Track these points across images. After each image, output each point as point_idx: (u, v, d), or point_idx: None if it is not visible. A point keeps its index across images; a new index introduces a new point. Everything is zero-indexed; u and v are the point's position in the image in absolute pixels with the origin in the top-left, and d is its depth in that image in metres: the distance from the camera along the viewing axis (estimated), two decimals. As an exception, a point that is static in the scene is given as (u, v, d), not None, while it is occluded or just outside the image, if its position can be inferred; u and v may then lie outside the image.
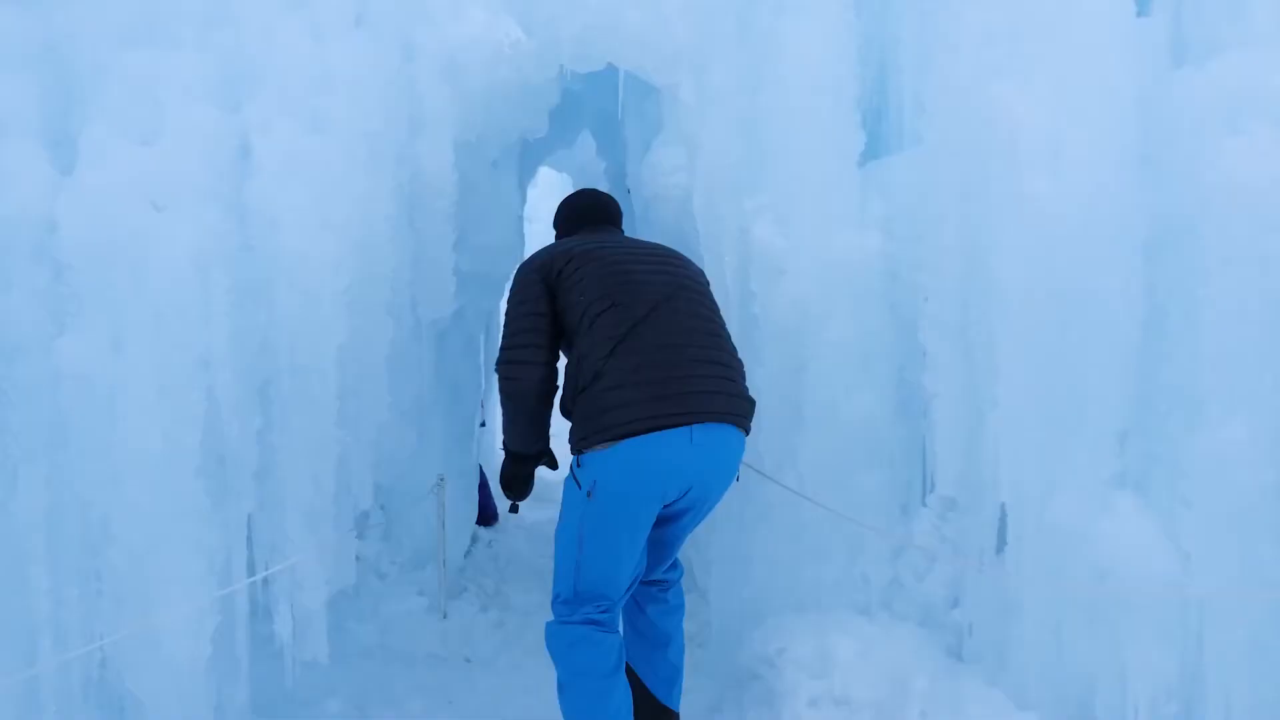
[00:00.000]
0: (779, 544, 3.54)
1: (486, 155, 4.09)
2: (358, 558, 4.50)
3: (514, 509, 4.72)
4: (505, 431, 2.88)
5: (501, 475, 2.91)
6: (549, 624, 2.63)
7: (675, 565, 2.94)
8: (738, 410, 2.68)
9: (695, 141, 3.65)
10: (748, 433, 2.75)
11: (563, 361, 2.76)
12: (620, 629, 2.71)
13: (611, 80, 4.46)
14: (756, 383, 3.39)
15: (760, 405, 2.90)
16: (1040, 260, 2.91)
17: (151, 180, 2.70)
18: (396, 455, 3.54)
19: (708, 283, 2.95)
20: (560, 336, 2.75)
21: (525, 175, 5.59)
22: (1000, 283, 2.98)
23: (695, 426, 2.52)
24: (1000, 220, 2.97)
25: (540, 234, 4.06)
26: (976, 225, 3.05)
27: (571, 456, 2.62)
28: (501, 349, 2.76)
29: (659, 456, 2.50)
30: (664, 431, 2.48)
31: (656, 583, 2.88)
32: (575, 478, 2.59)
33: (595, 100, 5.14)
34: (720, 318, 2.85)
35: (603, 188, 6.68)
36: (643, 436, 2.47)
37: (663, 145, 4.00)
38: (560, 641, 2.59)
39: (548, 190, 15.33)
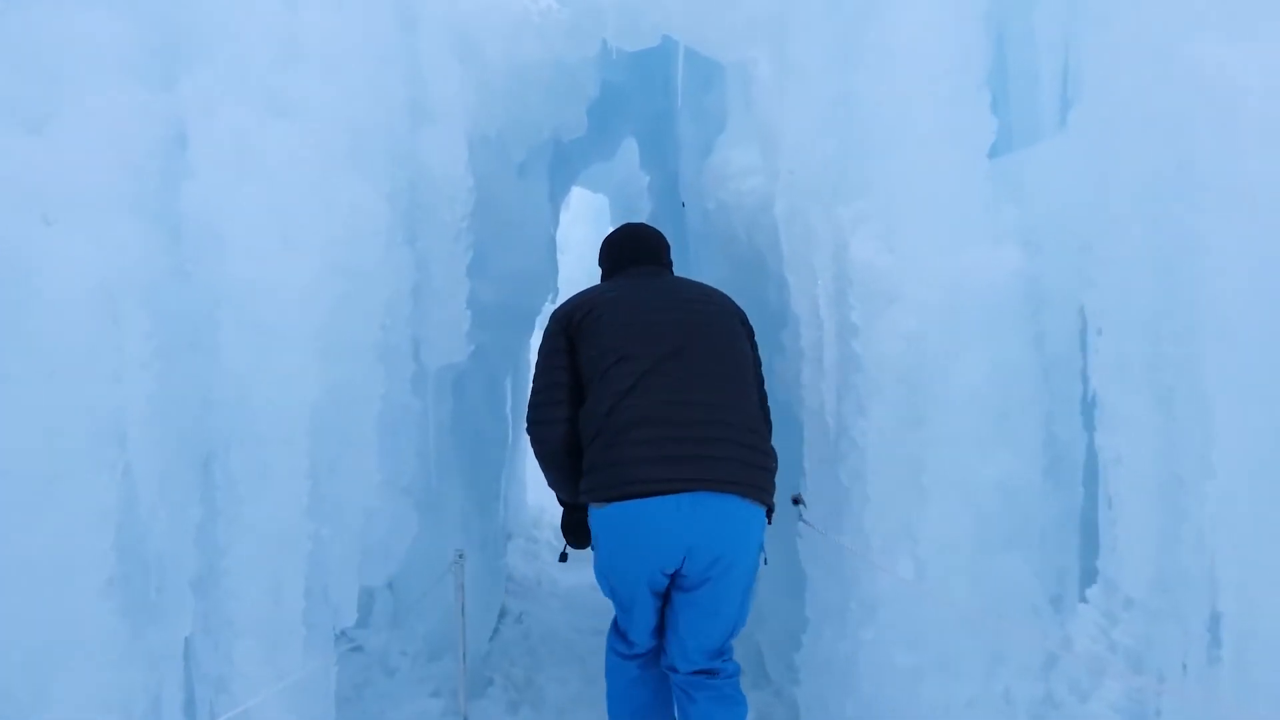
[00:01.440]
0: (892, 648, 2.73)
1: (510, 157, 3.33)
2: (361, 650, 3.75)
3: (563, 558, 3.93)
4: (556, 489, 2.79)
5: (562, 524, 2.85)
6: (608, 636, 2.75)
7: (728, 658, 2.65)
8: (745, 479, 2.48)
9: (774, 134, 2.89)
10: (765, 503, 2.55)
11: None
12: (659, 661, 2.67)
13: (664, 65, 3.69)
14: (858, 439, 2.63)
15: (865, 469, 2.48)
16: (1270, 275, 2.09)
17: (41, 182, 1.97)
18: (392, 546, 2.72)
19: (742, 328, 2.72)
20: (583, 388, 2.65)
21: (558, 189, 4.78)
22: (1211, 307, 2.16)
23: (684, 495, 2.38)
24: (1210, 222, 2.16)
25: (570, 266, 3.51)
26: (1174, 231, 2.24)
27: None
28: (529, 407, 2.71)
29: (642, 525, 2.42)
30: (647, 499, 2.39)
31: (704, 671, 2.61)
32: (592, 524, 2.61)
33: (642, 96, 4.34)
34: (746, 370, 2.65)
35: (647, 206, 6.05)
36: (625, 503, 2.41)
37: (730, 143, 3.23)
38: (610, 672, 2.74)
39: (581, 215, 14.64)
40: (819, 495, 2.87)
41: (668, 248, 2.96)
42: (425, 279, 2.81)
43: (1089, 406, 2.66)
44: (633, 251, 2.89)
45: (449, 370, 3.33)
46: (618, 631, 2.71)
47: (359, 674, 3.73)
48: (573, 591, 5.63)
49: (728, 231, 3.33)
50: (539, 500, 7.06)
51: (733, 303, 2.76)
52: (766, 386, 2.79)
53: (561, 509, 2.82)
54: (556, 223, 4.92)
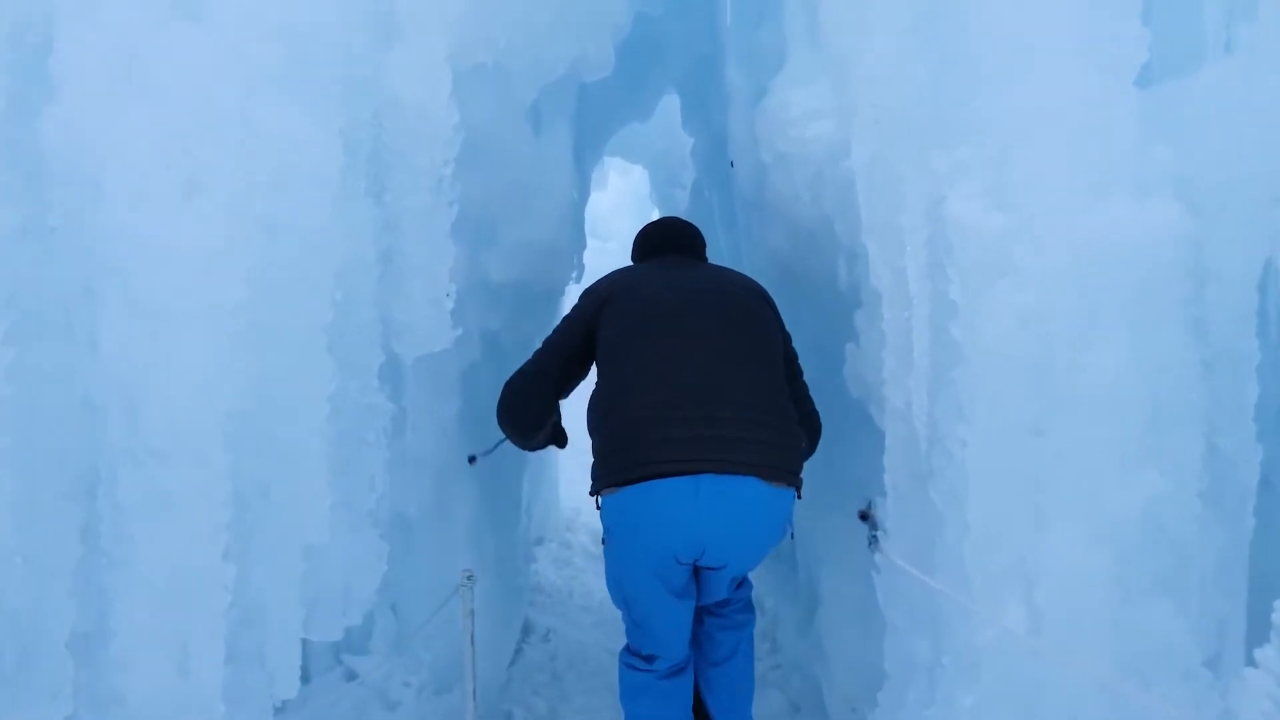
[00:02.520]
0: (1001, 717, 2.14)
1: (516, 96, 2.74)
2: (357, 680, 3.24)
3: (472, 460, 3.41)
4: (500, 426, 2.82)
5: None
6: (620, 657, 2.67)
7: (743, 582, 2.71)
8: (768, 460, 2.40)
9: (849, 64, 2.30)
10: (792, 485, 2.48)
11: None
12: (691, 674, 2.62)
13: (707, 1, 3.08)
14: (957, 451, 2.05)
15: (966, 490, 2.00)
16: None
17: None
18: (353, 590, 2.13)
19: (770, 310, 2.70)
20: (579, 376, 2.71)
21: (585, 151, 4.13)
22: None
23: (703, 477, 2.30)
24: None
25: (614, 256, 3.20)
26: None
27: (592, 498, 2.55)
28: (526, 364, 2.73)
29: (661, 507, 2.34)
30: (666, 480, 2.30)
31: (719, 602, 2.68)
32: (602, 524, 2.54)
33: (682, 39, 3.71)
34: (774, 351, 2.59)
35: (690, 176, 5.46)
36: (644, 484, 2.32)
37: (791, 83, 2.63)
38: (627, 687, 2.63)
39: (623, 205, 14.05)
40: (904, 521, 2.28)
41: (703, 243, 2.95)
42: (396, 243, 2.23)
43: (1265, 413, 2.06)
44: (665, 241, 2.89)
45: (439, 362, 2.78)
46: (651, 644, 2.60)
47: (354, 710, 3.21)
48: (608, 604, 5.09)
49: (787, 192, 2.73)
50: (573, 502, 6.54)
51: (759, 285, 2.75)
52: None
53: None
54: (586, 192, 4.31)
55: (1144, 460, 2.04)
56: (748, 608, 2.78)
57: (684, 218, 3.19)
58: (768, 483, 2.39)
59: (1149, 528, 2.05)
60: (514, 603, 3.96)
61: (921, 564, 2.19)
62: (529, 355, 3.68)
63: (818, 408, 2.84)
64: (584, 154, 4.02)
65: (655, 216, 6.86)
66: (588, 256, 4.47)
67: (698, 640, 2.72)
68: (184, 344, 1.66)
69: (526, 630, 4.51)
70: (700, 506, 2.30)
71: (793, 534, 2.56)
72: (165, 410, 1.64)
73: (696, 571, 2.56)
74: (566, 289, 3.67)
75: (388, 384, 2.24)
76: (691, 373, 2.38)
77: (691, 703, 2.71)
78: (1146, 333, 2.02)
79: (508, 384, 2.72)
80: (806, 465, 2.66)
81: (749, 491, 2.35)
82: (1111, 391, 2.01)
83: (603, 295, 2.62)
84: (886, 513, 2.33)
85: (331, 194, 1.88)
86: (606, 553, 2.57)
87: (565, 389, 2.72)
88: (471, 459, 3.14)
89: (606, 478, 2.42)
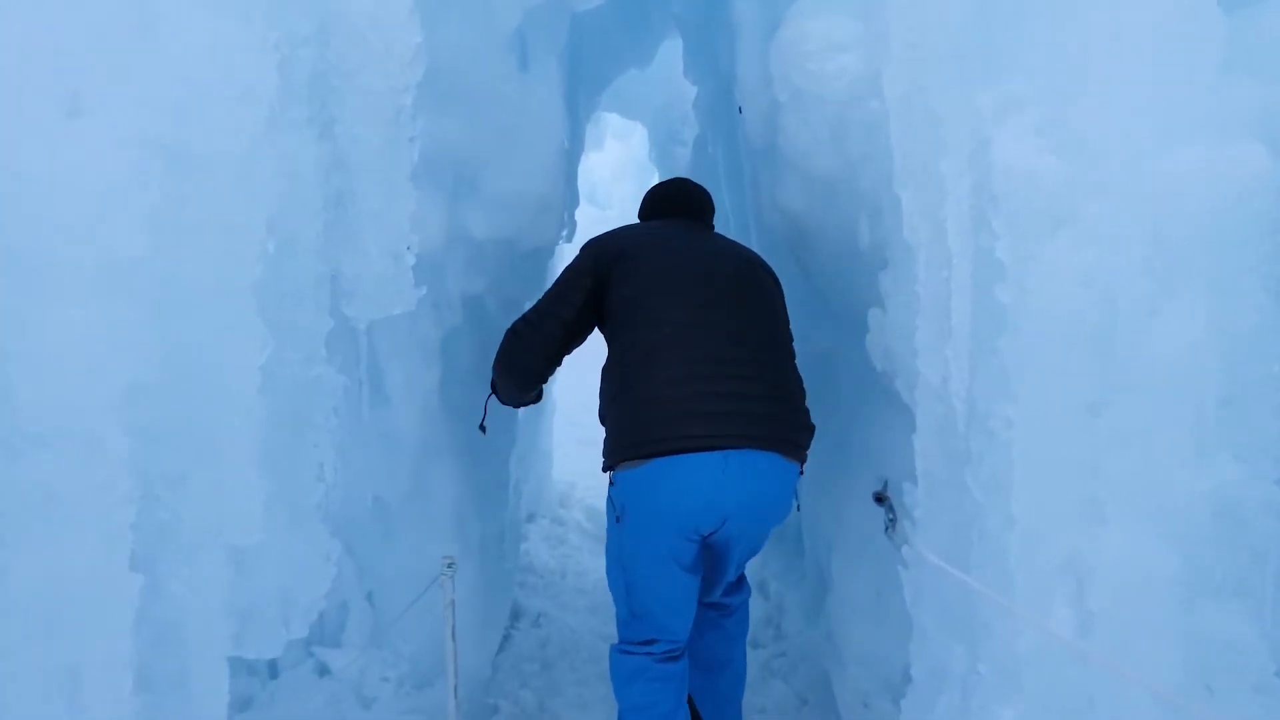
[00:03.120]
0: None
1: (496, 22, 2.41)
2: (330, 674, 2.99)
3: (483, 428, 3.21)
4: (493, 384, 2.73)
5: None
6: (612, 648, 2.58)
7: (740, 587, 2.74)
8: (788, 436, 2.41)
9: (880, -13, 1.99)
10: (802, 462, 2.49)
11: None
12: (686, 659, 2.56)
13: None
14: (1001, 432, 1.80)
15: (1010, 476, 1.76)
16: None
17: None
18: (296, 597, 1.82)
19: (776, 286, 2.66)
20: (587, 330, 2.61)
21: (579, 95, 3.78)
22: None
23: (732, 452, 2.28)
24: None
25: (598, 220, 2.98)
26: None
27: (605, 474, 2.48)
28: (525, 314, 2.60)
29: (688, 482, 2.29)
30: (695, 454, 2.26)
31: (716, 606, 2.69)
32: (611, 500, 2.46)
33: None
34: (784, 327, 2.60)
35: (692, 131, 5.14)
36: (671, 458, 2.27)
37: (810, 12, 2.32)
38: (620, 672, 2.54)
39: (624, 170, 13.63)
40: (937, 511, 2.01)
41: (713, 209, 2.89)
42: (347, 185, 1.88)
43: (1360, 389, 1.79)
44: (676, 204, 2.80)
45: (415, 328, 2.49)
46: (650, 627, 2.50)
47: (326, 706, 2.97)
48: (603, 585, 4.84)
49: (803, 137, 2.43)
50: (567, 475, 6.29)
51: (764, 260, 2.69)
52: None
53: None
54: (580, 145, 3.98)
55: (1217, 444, 1.78)
56: (744, 618, 2.78)
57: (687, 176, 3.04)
58: (785, 458, 2.38)
59: (1220, 520, 1.80)
60: (501, 587, 3.71)
61: (956, 559, 1.93)
62: (504, 312, 3.40)
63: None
64: (578, 101, 3.69)
65: (656, 179, 6.59)
66: (585, 224, 4.15)
67: (692, 649, 2.67)
68: (68, 303, 1.32)
69: (515, 615, 4.27)
70: (727, 481, 2.27)
71: (799, 506, 2.53)
72: (46, 387, 1.32)
73: (707, 559, 2.53)
74: (557, 249, 3.37)
75: (346, 353, 1.94)
76: (718, 346, 2.33)
77: (687, 690, 2.63)
78: (1225, 296, 1.75)
79: (513, 331, 2.56)
80: (815, 441, 2.62)
81: (774, 467, 2.35)
82: (1182, 364, 1.74)
83: (614, 249, 2.50)
84: (917, 501, 2.06)
85: (261, 120, 1.56)
86: (615, 531, 2.45)
87: (572, 343, 2.59)
88: (483, 428, 2.97)
89: (626, 451, 2.33)
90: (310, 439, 1.74)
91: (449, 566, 2.83)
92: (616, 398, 2.40)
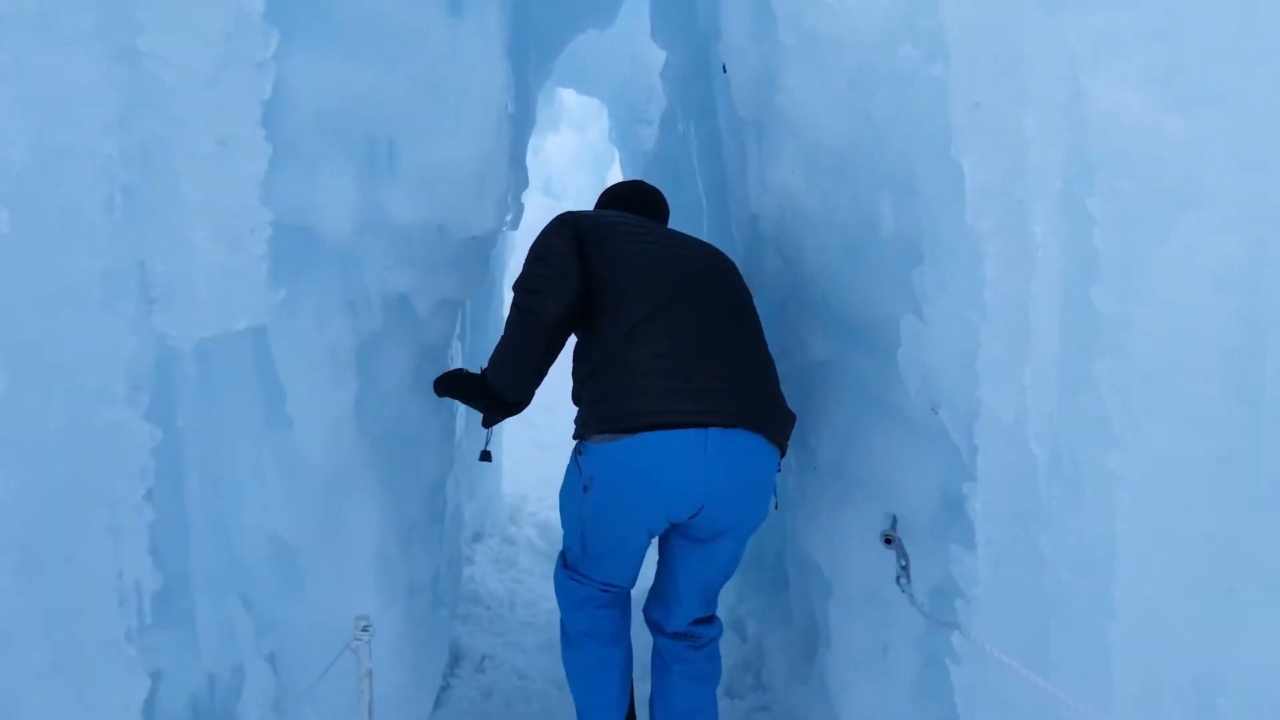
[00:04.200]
0: None
1: None
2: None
3: (486, 456, 2.78)
4: (494, 367, 2.44)
5: (456, 387, 2.56)
6: (558, 569, 2.54)
7: (711, 620, 2.58)
8: (769, 418, 2.33)
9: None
10: (783, 450, 2.39)
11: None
12: (629, 594, 2.53)
13: None
14: (1096, 485, 1.30)
15: (1114, 546, 1.33)
16: None
17: None
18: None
19: (746, 289, 2.55)
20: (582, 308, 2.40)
21: (525, 53, 3.18)
22: None
23: (713, 430, 2.21)
24: None
25: (552, 211, 2.67)
26: None
27: (574, 441, 2.38)
28: (526, 277, 2.37)
29: (665, 460, 2.22)
30: (674, 430, 2.19)
31: (687, 636, 2.55)
32: (577, 463, 2.38)
33: None
34: (759, 322, 2.50)
35: (659, 106, 4.62)
36: (650, 433, 2.20)
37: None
38: (569, 597, 2.52)
39: (580, 160, 12.99)
40: (1004, 590, 1.51)
41: (669, 212, 2.87)
42: (155, 132, 1.20)
43: None
44: (636, 201, 2.76)
45: (322, 335, 1.94)
46: (598, 573, 2.47)
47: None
48: (555, 621, 4.31)
49: (812, 94, 1.90)
50: (519, 487, 5.75)
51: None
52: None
53: (482, 387, 2.49)
54: (530, 119, 3.37)
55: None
56: (715, 655, 2.64)
57: (652, 159, 3.04)
58: (766, 441, 2.32)
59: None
60: (437, 634, 3.16)
61: (1029, 657, 1.43)
62: (451, 324, 2.90)
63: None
64: (526, 63, 3.12)
65: (617, 164, 6.07)
66: (537, 215, 3.58)
67: (664, 695, 2.60)
68: None
69: (456, 658, 3.73)
70: (708, 462, 2.21)
71: (776, 504, 2.46)
72: None
73: (682, 557, 2.48)
74: (500, 238, 2.81)
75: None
76: (702, 326, 2.29)
77: (628, 673, 2.59)
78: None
79: (526, 289, 2.35)
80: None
81: (756, 448, 2.30)
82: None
83: (589, 223, 2.41)
84: (975, 576, 1.56)
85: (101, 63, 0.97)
86: (578, 496, 2.35)
87: (574, 326, 2.42)
88: (487, 456, 2.87)
89: (604, 424, 2.24)
90: (102, 519, 1.16)
91: (364, 630, 2.30)
92: (596, 372, 2.31)
